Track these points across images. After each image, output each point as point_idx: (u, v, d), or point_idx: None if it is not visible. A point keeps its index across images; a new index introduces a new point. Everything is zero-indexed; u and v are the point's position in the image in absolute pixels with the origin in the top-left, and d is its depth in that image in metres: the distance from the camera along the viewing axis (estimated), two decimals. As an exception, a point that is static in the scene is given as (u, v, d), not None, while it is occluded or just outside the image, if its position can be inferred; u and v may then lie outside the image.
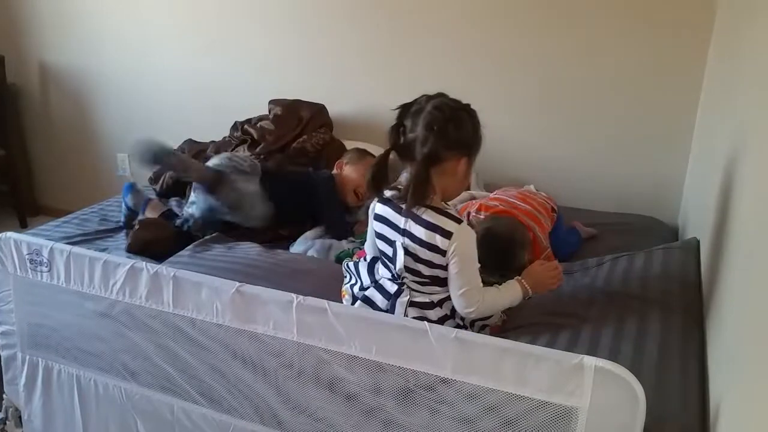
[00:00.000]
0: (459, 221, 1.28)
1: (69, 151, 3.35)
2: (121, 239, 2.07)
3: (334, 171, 2.15)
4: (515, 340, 1.08)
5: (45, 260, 1.37)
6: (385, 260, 1.38)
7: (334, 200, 2.07)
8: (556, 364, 0.95)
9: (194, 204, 2.01)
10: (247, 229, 2.00)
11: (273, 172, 2.11)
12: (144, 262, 1.28)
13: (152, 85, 3.01)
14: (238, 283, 1.18)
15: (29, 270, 1.40)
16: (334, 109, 2.57)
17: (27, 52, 3.25)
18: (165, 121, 3.03)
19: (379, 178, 1.32)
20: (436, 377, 1.04)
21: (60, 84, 3.24)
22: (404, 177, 1.34)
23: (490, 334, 1.33)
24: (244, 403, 1.24)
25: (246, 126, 2.47)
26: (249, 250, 1.81)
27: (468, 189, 2.05)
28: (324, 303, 1.11)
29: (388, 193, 1.36)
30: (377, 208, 1.39)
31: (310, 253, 1.86)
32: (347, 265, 1.51)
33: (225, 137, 2.56)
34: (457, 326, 1.34)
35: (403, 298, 1.31)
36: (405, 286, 1.33)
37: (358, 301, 1.39)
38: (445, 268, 1.30)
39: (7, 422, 1.54)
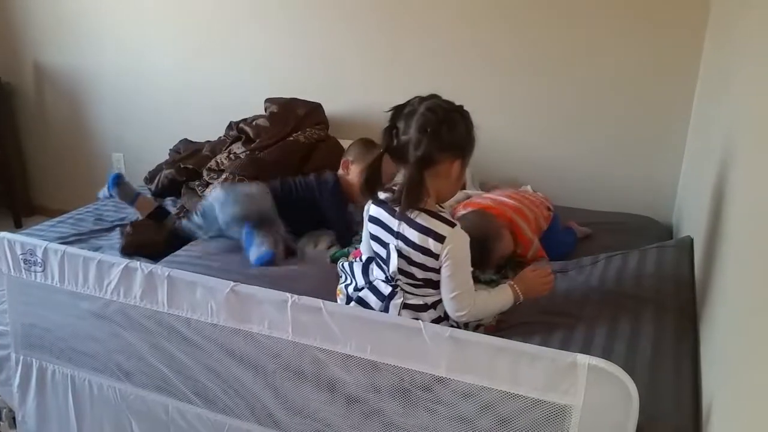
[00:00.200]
0: (452, 225, 1.28)
1: (64, 150, 3.34)
2: (116, 238, 2.06)
3: (340, 171, 2.05)
4: (509, 339, 1.08)
5: (39, 260, 1.37)
6: (380, 261, 1.39)
7: (342, 209, 2.00)
8: (550, 362, 0.95)
9: (201, 228, 1.96)
10: None
11: (278, 190, 2.01)
12: (138, 262, 1.28)
13: (148, 85, 3.00)
14: (232, 283, 1.18)
15: (23, 270, 1.40)
16: (330, 108, 2.57)
17: (21, 51, 3.24)
18: (160, 121, 3.02)
19: (372, 181, 1.32)
20: (430, 376, 1.04)
21: (55, 83, 3.23)
22: (400, 178, 1.33)
23: (485, 333, 1.34)
24: (239, 403, 1.24)
25: (242, 124, 2.47)
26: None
27: (464, 189, 2.05)
28: (319, 302, 1.12)
29: (382, 195, 1.36)
30: (371, 209, 1.39)
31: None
32: (342, 265, 1.51)
33: (220, 137, 2.56)
34: (450, 327, 1.33)
35: (397, 300, 1.31)
36: (398, 288, 1.33)
37: (353, 302, 1.39)
38: (438, 271, 1.30)
39: (1, 423, 1.54)
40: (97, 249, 1.96)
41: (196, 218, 1.99)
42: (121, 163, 3.22)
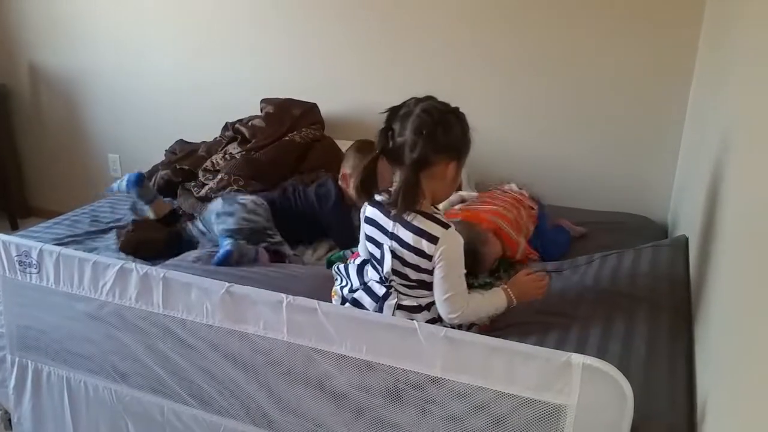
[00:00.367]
0: (446, 226, 1.28)
1: (60, 151, 3.33)
2: (111, 239, 2.06)
3: (341, 182, 1.99)
4: (504, 338, 1.08)
5: (34, 262, 1.37)
6: (374, 263, 1.39)
7: (344, 223, 1.95)
8: (544, 362, 0.95)
9: (204, 235, 1.98)
10: None
11: (277, 204, 1.98)
12: (134, 263, 1.27)
13: (143, 86, 3.00)
14: (227, 284, 1.18)
15: (18, 272, 1.39)
16: (326, 108, 2.57)
17: (17, 52, 3.23)
18: (156, 122, 3.02)
19: (368, 184, 1.32)
20: (425, 376, 1.04)
21: (50, 84, 3.23)
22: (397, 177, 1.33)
23: (479, 333, 1.34)
24: (235, 404, 1.24)
25: (237, 125, 2.47)
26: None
27: (459, 189, 2.05)
28: (314, 303, 1.12)
29: (378, 197, 1.37)
30: (367, 210, 1.40)
31: None
32: (337, 267, 1.51)
33: (216, 137, 2.56)
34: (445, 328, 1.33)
35: (391, 301, 1.32)
36: (393, 289, 1.33)
37: (347, 303, 1.39)
38: (431, 272, 1.30)
39: (-3, 425, 1.54)
40: (92, 250, 1.95)
41: (200, 225, 2.00)
42: (117, 165, 3.21)
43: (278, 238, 1.90)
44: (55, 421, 1.46)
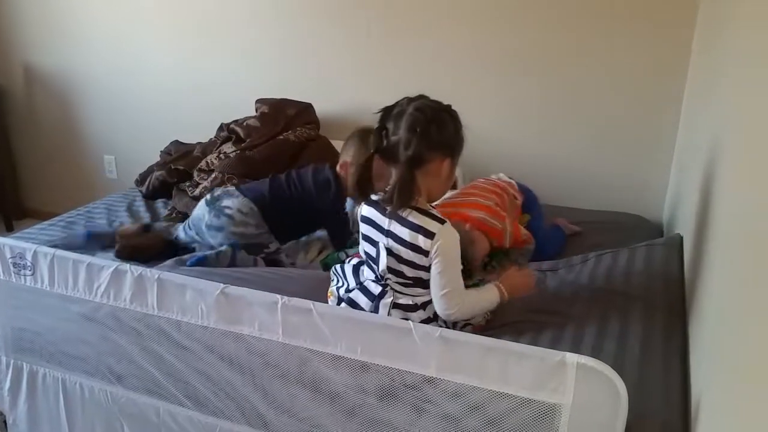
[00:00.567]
0: (442, 221, 1.29)
1: (55, 152, 3.32)
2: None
3: (340, 171, 1.93)
4: (499, 338, 1.09)
5: (28, 264, 1.36)
6: (370, 262, 1.39)
7: (340, 212, 1.93)
8: (539, 361, 0.95)
9: (196, 242, 1.93)
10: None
11: (266, 199, 1.88)
12: (128, 265, 1.27)
13: (139, 87, 2.99)
14: (222, 285, 1.18)
15: (13, 274, 1.39)
16: (321, 108, 2.57)
17: (11, 53, 3.22)
18: (152, 123, 3.01)
19: (363, 183, 1.32)
20: (420, 376, 1.04)
21: (45, 85, 3.21)
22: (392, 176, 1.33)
23: (474, 332, 1.34)
24: (230, 405, 1.23)
25: (232, 125, 2.47)
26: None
27: (455, 188, 2.05)
28: (309, 303, 1.12)
29: (374, 196, 1.37)
30: (363, 210, 1.40)
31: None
32: (334, 268, 1.51)
33: (211, 138, 2.56)
34: (440, 328, 1.33)
35: (387, 300, 1.32)
36: (388, 287, 1.34)
37: (343, 303, 1.39)
38: (427, 269, 1.30)
39: (-8, 427, 1.53)
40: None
41: (190, 232, 1.96)
42: (112, 166, 3.20)
43: (273, 246, 1.87)
44: (51, 423, 1.46)
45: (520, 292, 1.37)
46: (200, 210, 1.92)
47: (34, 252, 1.34)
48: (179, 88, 2.90)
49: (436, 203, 1.83)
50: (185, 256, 1.81)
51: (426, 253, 1.28)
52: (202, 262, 1.73)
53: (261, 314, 1.15)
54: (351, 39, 2.54)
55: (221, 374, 1.22)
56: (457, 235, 1.30)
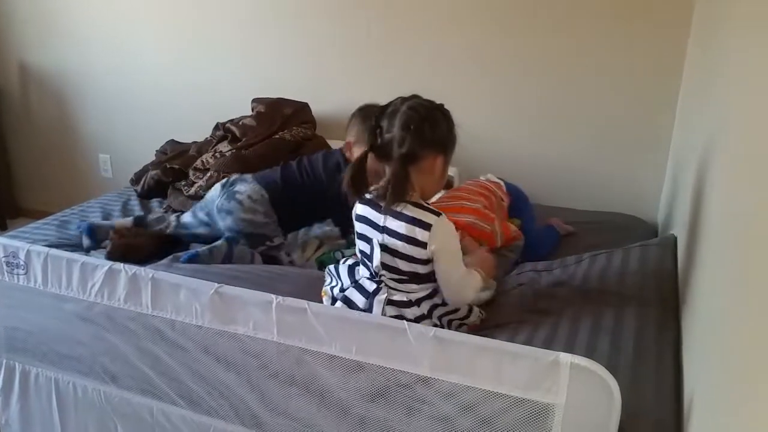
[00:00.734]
0: (438, 214, 1.30)
1: (50, 151, 3.31)
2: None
3: (345, 151, 1.89)
4: (493, 338, 1.09)
5: (22, 263, 1.36)
6: (365, 260, 1.39)
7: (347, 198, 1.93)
8: (532, 361, 0.96)
9: (207, 225, 1.92)
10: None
11: (278, 187, 1.86)
12: (122, 264, 1.27)
13: (135, 86, 2.98)
14: (216, 284, 1.17)
15: (6, 273, 1.38)
16: (317, 108, 2.57)
17: (6, 51, 3.20)
18: (147, 122, 3.00)
19: (358, 180, 1.33)
20: (415, 376, 1.04)
21: (41, 84, 3.20)
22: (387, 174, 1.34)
23: (469, 332, 1.35)
24: (224, 405, 1.23)
25: (228, 124, 2.47)
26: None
27: (450, 187, 2.05)
28: (304, 303, 1.11)
29: (368, 195, 1.37)
30: (358, 208, 1.41)
31: None
32: (328, 268, 1.52)
33: (207, 137, 2.55)
34: (434, 326, 1.33)
35: (381, 296, 1.32)
36: (383, 284, 1.34)
37: (338, 302, 1.39)
38: (424, 262, 1.31)
39: (-15, 427, 1.53)
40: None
41: (200, 213, 1.94)
42: (107, 165, 3.19)
43: (277, 241, 1.87)
44: (43, 422, 1.45)
45: (489, 274, 1.46)
46: (214, 191, 1.93)
47: (27, 251, 1.34)
48: (175, 87, 2.90)
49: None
50: (180, 254, 1.80)
51: (424, 245, 1.29)
52: (194, 258, 1.73)
53: (256, 314, 1.15)
54: (347, 39, 2.54)
55: (215, 374, 1.22)
56: (452, 225, 1.33)
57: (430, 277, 1.35)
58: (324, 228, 2.09)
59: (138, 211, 2.33)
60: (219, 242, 1.80)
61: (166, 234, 2.01)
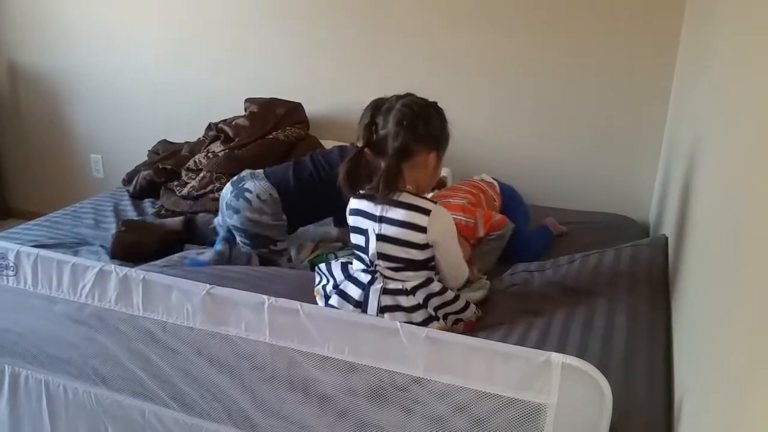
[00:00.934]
0: (434, 202, 1.36)
1: (41, 151, 3.28)
2: (97, 242, 2.03)
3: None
4: (487, 337, 1.09)
5: (11, 264, 1.34)
6: (359, 253, 1.42)
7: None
8: (524, 361, 0.96)
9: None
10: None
11: (293, 183, 1.81)
12: (113, 265, 1.26)
13: (126, 85, 2.97)
14: (208, 285, 1.17)
15: (-5, 274, 1.37)
16: (311, 108, 2.57)
17: (-4, 50, 3.18)
18: (139, 121, 2.99)
19: (354, 175, 1.36)
20: (408, 377, 1.04)
21: (31, 83, 3.18)
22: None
23: (464, 330, 1.36)
24: (217, 407, 1.23)
25: (221, 125, 2.46)
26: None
27: (443, 187, 2.06)
28: (296, 304, 1.11)
29: (362, 191, 1.40)
30: (352, 203, 1.43)
31: None
32: (318, 267, 1.52)
33: (199, 138, 2.54)
34: (429, 317, 1.37)
35: (377, 286, 1.35)
36: (378, 273, 1.37)
37: (333, 296, 1.40)
38: (421, 248, 1.34)
39: (-26, 430, 1.51)
40: (75, 253, 1.93)
41: (219, 218, 1.92)
42: (99, 165, 3.17)
43: (281, 245, 1.84)
44: (33, 425, 1.44)
45: (467, 255, 1.53)
46: (226, 189, 1.88)
47: (17, 252, 1.33)
48: (167, 86, 2.88)
49: None
50: (184, 253, 1.78)
51: (423, 230, 1.33)
52: (200, 265, 1.71)
53: (248, 315, 1.14)
54: (341, 39, 2.54)
55: (207, 375, 1.21)
56: (448, 212, 1.38)
57: (425, 264, 1.37)
58: (319, 230, 2.09)
59: (131, 211, 2.32)
60: (220, 247, 1.78)
61: (172, 232, 2.00)
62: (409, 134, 1.31)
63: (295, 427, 1.16)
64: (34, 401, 1.42)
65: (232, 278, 1.58)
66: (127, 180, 2.48)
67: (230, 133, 2.39)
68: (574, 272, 1.56)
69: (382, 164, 1.34)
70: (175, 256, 1.82)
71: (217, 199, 2.01)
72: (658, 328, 1.33)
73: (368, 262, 1.37)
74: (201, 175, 2.26)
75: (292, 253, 1.96)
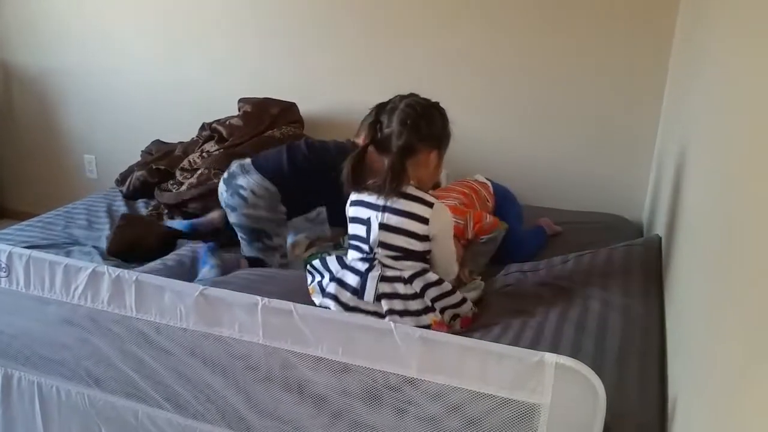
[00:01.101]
0: (436, 198, 1.41)
1: (34, 152, 3.26)
2: (89, 243, 2.02)
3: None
4: (481, 337, 1.09)
5: (3, 265, 1.33)
6: (357, 243, 1.44)
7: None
8: (517, 361, 0.96)
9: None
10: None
11: (287, 170, 1.78)
12: (105, 266, 1.25)
13: (119, 85, 2.96)
14: (201, 286, 1.17)
15: (-13, 276, 1.36)
16: (305, 108, 2.56)
17: (-12, 50, 3.16)
18: (133, 122, 2.98)
19: (357, 172, 1.40)
20: (402, 377, 1.04)
21: (24, 83, 3.16)
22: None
23: (461, 326, 1.37)
24: (210, 408, 1.22)
25: (215, 125, 2.45)
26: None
27: (437, 188, 2.06)
28: (289, 305, 1.11)
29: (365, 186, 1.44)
30: (353, 196, 1.47)
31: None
32: (311, 264, 1.53)
33: (193, 137, 2.53)
34: (426, 307, 1.38)
35: (375, 273, 1.38)
36: (377, 262, 1.40)
37: (330, 284, 1.42)
38: (421, 238, 1.38)
39: (-34, 432, 1.50)
40: (67, 254, 1.92)
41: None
42: (92, 165, 3.16)
43: (278, 240, 1.84)
44: (26, 427, 1.43)
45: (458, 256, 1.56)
46: (220, 187, 1.87)
47: (9, 253, 1.32)
48: (161, 87, 2.87)
49: None
50: (179, 251, 1.78)
51: (425, 221, 1.37)
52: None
53: (241, 316, 1.14)
54: (340, 39, 2.54)
55: (201, 377, 1.21)
56: (449, 210, 1.45)
57: (422, 256, 1.41)
58: (315, 230, 2.08)
59: (124, 212, 2.30)
60: (213, 261, 1.78)
61: (172, 231, 1.98)
62: (412, 133, 1.36)
63: (289, 428, 1.16)
64: (27, 403, 1.42)
65: (224, 280, 1.57)
66: (121, 180, 2.47)
67: (224, 132, 2.39)
68: (568, 272, 1.56)
69: (386, 162, 1.38)
70: (171, 255, 1.81)
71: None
72: (652, 327, 1.33)
73: (367, 250, 1.41)
74: (199, 171, 2.25)
75: (287, 250, 1.96)
